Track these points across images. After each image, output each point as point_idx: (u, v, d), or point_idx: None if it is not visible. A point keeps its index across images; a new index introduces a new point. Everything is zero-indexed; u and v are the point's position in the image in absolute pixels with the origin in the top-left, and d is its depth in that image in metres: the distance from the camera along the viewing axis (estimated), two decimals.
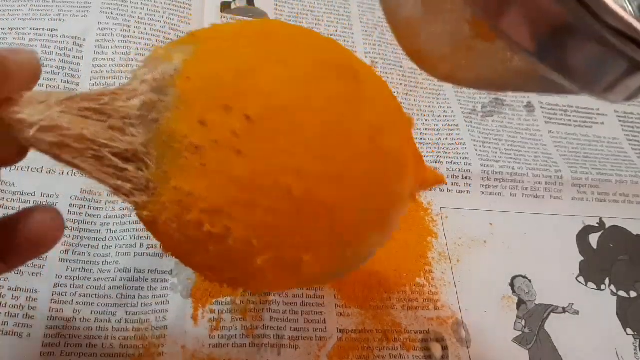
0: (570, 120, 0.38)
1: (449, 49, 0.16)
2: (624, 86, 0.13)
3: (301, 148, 0.16)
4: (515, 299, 0.29)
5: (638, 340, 0.30)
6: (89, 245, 0.26)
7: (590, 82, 0.13)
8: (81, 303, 0.24)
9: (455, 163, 0.33)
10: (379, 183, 0.17)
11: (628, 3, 0.16)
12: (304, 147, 0.16)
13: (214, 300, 0.25)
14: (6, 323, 0.23)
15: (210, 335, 0.24)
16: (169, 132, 0.16)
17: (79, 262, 0.25)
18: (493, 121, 0.36)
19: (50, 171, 0.27)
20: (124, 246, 0.26)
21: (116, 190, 0.17)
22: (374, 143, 0.17)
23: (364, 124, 0.17)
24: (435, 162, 0.33)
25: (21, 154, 0.17)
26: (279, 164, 0.15)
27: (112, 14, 0.33)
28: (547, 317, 0.29)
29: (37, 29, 0.31)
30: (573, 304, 0.30)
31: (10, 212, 0.25)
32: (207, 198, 0.15)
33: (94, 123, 0.16)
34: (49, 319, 0.23)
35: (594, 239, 0.33)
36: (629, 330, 0.30)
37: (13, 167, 0.27)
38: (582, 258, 0.32)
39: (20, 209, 0.26)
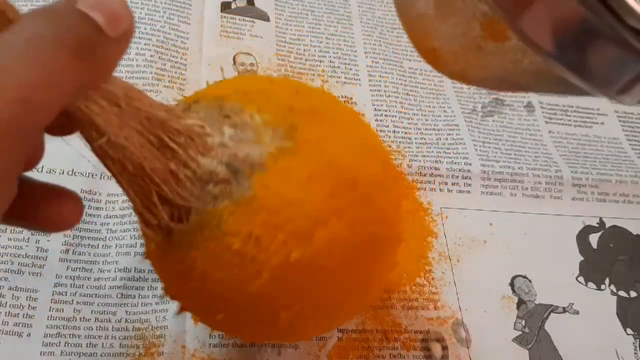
0: (570, 120, 0.38)
1: (460, 47, 0.16)
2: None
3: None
4: (515, 299, 0.29)
5: (638, 340, 0.30)
6: (89, 244, 0.26)
7: (606, 84, 0.13)
8: (81, 303, 0.24)
9: (455, 163, 0.33)
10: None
11: None
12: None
13: None
14: (6, 323, 0.23)
15: (210, 335, 0.24)
16: (219, 218, 0.15)
17: (79, 261, 0.25)
18: (493, 121, 0.36)
19: (50, 170, 0.27)
20: (124, 246, 0.26)
21: (140, 216, 0.16)
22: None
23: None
24: (435, 161, 0.33)
25: (40, 155, 0.16)
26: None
27: None
28: (547, 317, 0.29)
29: None
30: (573, 303, 0.30)
31: None
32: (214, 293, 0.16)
33: (157, 156, 0.15)
34: (49, 318, 0.23)
35: (594, 238, 0.33)
36: (629, 330, 0.30)
37: None
38: (582, 258, 0.32)
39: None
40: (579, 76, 0.13)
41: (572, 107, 0.38)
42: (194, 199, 0.15)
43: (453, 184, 0.33)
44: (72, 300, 0.24)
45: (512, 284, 0.30)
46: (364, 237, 0.17)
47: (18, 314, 0.23)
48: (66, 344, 0.23)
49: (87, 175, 0.27)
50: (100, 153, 0.15)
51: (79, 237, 0.26)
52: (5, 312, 0.23)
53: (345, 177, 0.16)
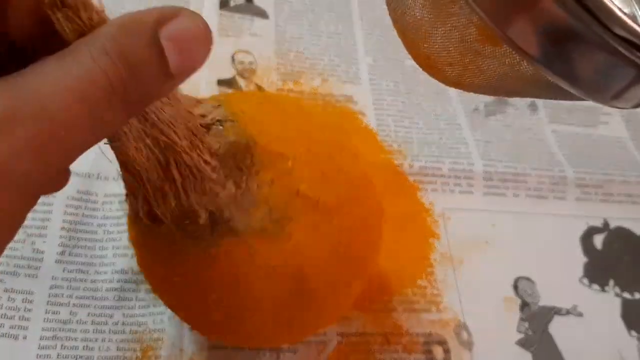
0: (574, 120, 0.37)
1: (457, 52, 0.16)
2: (633, 94, 0.13)
3: None
4: (519, 301, 0.29)
5: None
6: (85, 246, 0.25)
7: (598, 90, 0.13)
8: (77, 305, 0.24)
9: (457, 163, 0.33)
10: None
11: (638, 9, 0.16)
12: None
13: None
14: (2, 325, 0.23)
15: (208, 338, 0.24)
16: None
17: (75, 263, 0.25)
18: (496, 120, 0.36)
19: None
20: (121, 247, 0.26)
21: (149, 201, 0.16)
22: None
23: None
24: (437, 161, 0.33)
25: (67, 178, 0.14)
26: None
27: (109, 12, 0.32)
28: (550, 319, 0.29)
29: None
30: (577, 305, 0.30)
31: None
32: None
33: (155, 166, 0.14)
34: (45, 320, 0.23)
35: (598, 239, 0.32)
36: (633, 332, 0.30)
37: None
38: (586, 259, 0.32)
39: None
40: (570, 83, 0.13)
41: (576, 106, 0.38)
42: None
43: (455, 184, 0.32)
44: (69, 303, 0.24)
45: (515, 286, 0.30)
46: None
47: (14, 316, 0.23)
48: (62, 347, 0.23)
49: (83, 175, 0.27)
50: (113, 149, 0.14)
51: (75, 238, 0.25)
52: (1, 315, 0.23)
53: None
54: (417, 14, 0.16)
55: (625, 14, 0.11)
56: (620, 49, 0.12)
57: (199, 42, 0.11)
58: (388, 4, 0.17)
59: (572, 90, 0.13)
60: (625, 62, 0.12)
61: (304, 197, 0.17)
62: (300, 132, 0.18)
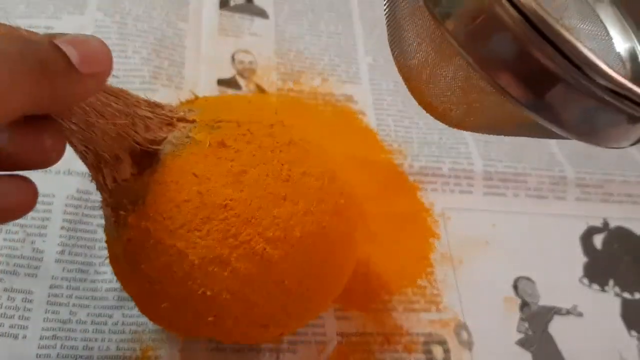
0: None
1: (461, 91, 0.16)
2: (626, 136, 0.14)
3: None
4: (519, 301, 0.29)
5: None
6: (85, 245, 0.25)
7: (589, 134, 0.13)
8: (77, 305, 0.24)
9: (457, 163, 0.33)
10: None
11: (638, 43, 0.16)
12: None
13: None
14: (2, 324, 0.23)
15: (208, 339, 0.24)
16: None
17: (75, 262, 0.25)
18: None
19: (46, 170, 0.27)
20: None
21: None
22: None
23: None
24: (437, 161, 0.33)
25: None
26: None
27: (109, 11, 0.32)
28: (550, 319, 0.29)
29: (34, 27, 0.30)
30: (577, 305, 0.30)
31: None
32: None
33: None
34: (45, 320, 0.23)
35: (598, 239, 0.32)
36: (633, 332, 0.30)
37: None
38: (586, 259, 0.32)
39: None
40: (561, 128, 0.13)
41: None
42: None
43: (455, 184, 0.32)
44: (68, 302, 0.24)
45: (515, 286, 0.30)
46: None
47: (13, 315, 0.23)
48: (62, 347, 0.23)
49: (83, 175, 0.27)
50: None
51: (75, 238, 0.25)
52: (1, 314, 0.23)
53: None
54: (422, 56, 0.16)
55: (610, 67, 0.12)
56: (608, 98, 0.12)
57: (93, 41, 0.14)
58: (392, 51, 0.17)
59: (566, 135, 0.13)
60: (615, 110, 0.12)
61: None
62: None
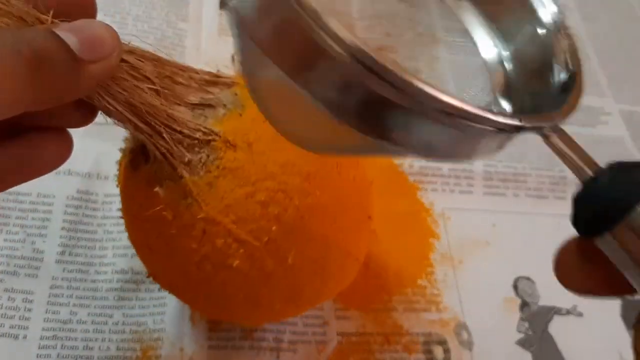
0: (574, 120, 0.37)
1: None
2: (473, 151, 0.13)
3: None
4: (519, 301, 0.29)
5: None
6: (85, 246, 0.25)
7: (431, 153, 0.13)
8: (78, 305, 0.24)
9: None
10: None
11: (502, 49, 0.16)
12: None
13: None
14: (2, 325, 0.23)
15: (208, 337, 0.24)
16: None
17: (75, 263, 0.25)
18: None
19: None
20: (121, 247, 0.26)
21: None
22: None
23: None
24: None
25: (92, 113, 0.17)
26: None
27: (109, 11, 0.32)
28: (550, 319, 0.29)
29: None
30: (577, 305, 0.30)
31: (7, 212, 0.25)
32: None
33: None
34: (45, 320, 0.23)
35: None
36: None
37: None
38: None
39: (17, 209, 0.26)
40: (402, 149, 0.12)
41: None
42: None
43: (455, 184, 0.32)
44: (69, 302, 0.24)
45: (515, 286, 0.30)
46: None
47: (14, 315, 0.23)
48: (62, 347, 0.23)
49: (83, 175, 0.27)
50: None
51: (75, 238, 0.25)
52: (1, 314, 0.23)
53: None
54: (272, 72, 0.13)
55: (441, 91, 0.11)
56: (445, 119, 0.11)
57: (96, 26, 0.14)
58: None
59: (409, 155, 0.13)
60: (454, 128, 0.12)
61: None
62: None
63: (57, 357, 0.23)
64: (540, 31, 0.16)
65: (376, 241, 0.28)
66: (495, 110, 0.14)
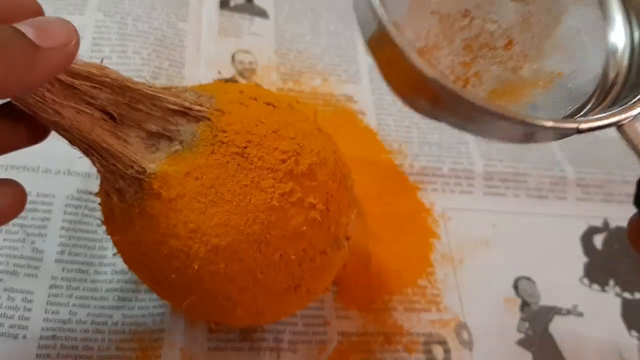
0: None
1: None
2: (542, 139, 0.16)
3: None
4: (519, 301, 0.29)
5: None
6: (85, 245, 0.25)
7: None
8: (77, 305, 0.24)
9: (458, 163, 0.33)
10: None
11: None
12: None
13: None
14: (2, 324, 0.23)
15: (208, 338, 0.24)
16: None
17: (75, 262, 0.25)
18: None
19: (46, 170, 0.27)
20: None
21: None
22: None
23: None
24: (438, 161, 0.33)
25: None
26: None
27: (109, 11, 0.32)
28: (551, 319, 0.29)
29: None
30: (577, 305, 0.30)
31: None
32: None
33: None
34: (45, 320, 0.23)
35: (598, 239, 0.32)
36: (634, 332, 0.30)
37: (9, 167, 0.26)
38: (586, 259, 0.32)
39: None
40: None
41: None
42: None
43: (455, 184, 0.32)
44: (68, 302, 0.24)
45: (515, 286, 0.30)
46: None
47: (13, 315, 0.23)
48: (62, 347, 0.23)
49: (83, 175, 0.27)
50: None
51: (75, 238, 0.25)
52: (1, 314, 0.23)
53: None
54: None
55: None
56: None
57: (54, 19, 0.15)
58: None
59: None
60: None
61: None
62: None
63: (57, 357, 0.22)
64: None
65: (376, 241, 0.28)
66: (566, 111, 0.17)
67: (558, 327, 0.29)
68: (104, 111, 0.18)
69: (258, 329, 0.25)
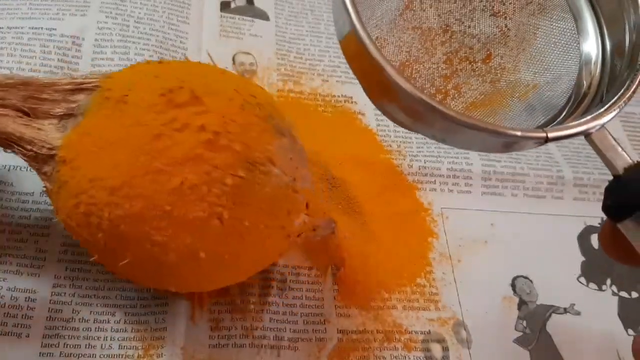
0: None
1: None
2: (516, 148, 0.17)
3: None
4: (517, 300, 0.29)
5: None
6: None
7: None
8: (80, 304, 0.24)
9: (456, 162, 0.33)
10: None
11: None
12: None
13: (213, 300, 0.25)
14: (5, 323, 0.23)
15: (210, 336, 0.24)
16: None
17: (77, 262, 0.25)
18: None
19: None
20: None
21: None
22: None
23: None
24: (436, 161, 0.33)
25: None
26: None
27: (111, 13, 0.33)
28: (548, 318, 0.29)
29: (36, 28, 0.31)
30: (574, 304, 0.30)
31: (10, 212, 0.25)
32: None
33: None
34: (48, 319, 0.23)
35: (595, 239, 0.33)
36: (630, 331, 0.30)
37: (12, 167, 0.26)
38: (583, 258, 0.32)
39: (19, 208, 0.26)
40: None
41: None
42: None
43: (454, 184, 0.32)
44: (71, 301, 0.24)
45: (513, 285, 0.30)
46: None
47: (17, 314, 0.23)
48: (65, 345, 0.23)
49: None
50: None
51: None
52: (4, 313, 0.23)
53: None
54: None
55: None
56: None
57: None
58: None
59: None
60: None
61: None
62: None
63: (60, 355, 0.23)
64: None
65: (375, 240, 0.29)
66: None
67: (555, 325, 0.29)
68: (18, 110, 0.21)
69: (259, 327, 0.25)
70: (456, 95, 0.18)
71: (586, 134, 0.16)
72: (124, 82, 0.21)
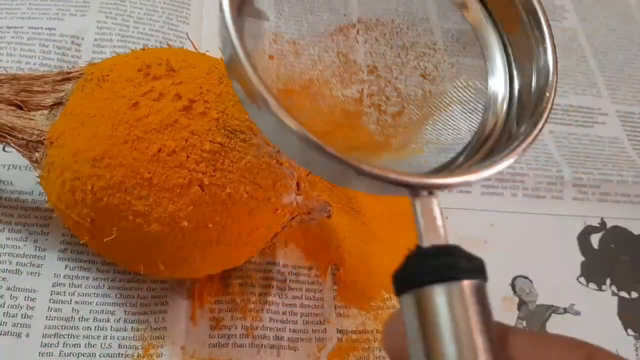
0: (571, 120, 0.38)
1: None
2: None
3: None
4: (516, 300, 0.29)
5: (639, 341, 0.29)
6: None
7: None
8: (80, 302, 0.24)
9: None
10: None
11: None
12: None
13: (214, 300, 0.25)
14: (4, 323, 0.23)
15: (209, 335, 0.24)
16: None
17: (77, 260, 0.25)
18: None
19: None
20: None
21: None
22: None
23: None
24: None
25: None
26: None
27: (110, 13, 0.33)
28: (548, 318, 0.29)
29: (36, 28, 0.31)
30: (574, 304, 0.30)
31: (9, 210, 0.25)
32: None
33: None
34: (48, 318, 0.23)
35: (595, 239, 0.33)
36: (630, 331, 0.30)
37: (10, 166, 0.26)
38: (583, 258, 0.32)
39: (19, 207, 0.26)
40: None
41: (573, 106, 0.38)
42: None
43: None
44: (71, 300, 0.24)
45: (513, 285, 0.30)
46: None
47: (16, 314, 0.23)
48: (65, 345, 0.23)
49: None
50: None
51: None
52: (4, 313, 0.23)
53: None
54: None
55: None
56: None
57: None
58: None
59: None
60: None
61: None
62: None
63: (60, 355, 0.23)
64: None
65: (375, 239, 0.29)
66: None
67: (555, 325, 0.29)
68: (10, 104, 0.22)
69: (259, 326, 0.25)
70: (349, 133, 0.18)
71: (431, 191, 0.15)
72: (106, 65, 0.22)
